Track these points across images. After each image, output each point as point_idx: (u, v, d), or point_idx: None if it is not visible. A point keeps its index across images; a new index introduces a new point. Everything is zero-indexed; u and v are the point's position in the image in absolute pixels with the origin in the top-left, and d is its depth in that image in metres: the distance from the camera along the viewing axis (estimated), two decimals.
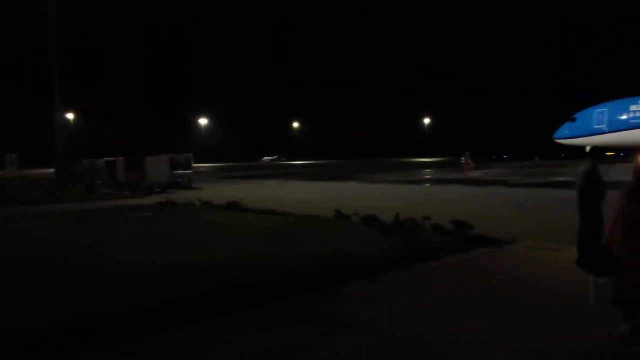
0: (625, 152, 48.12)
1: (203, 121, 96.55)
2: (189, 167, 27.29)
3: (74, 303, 5.24)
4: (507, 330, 4.29)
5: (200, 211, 13.88)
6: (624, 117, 43.17)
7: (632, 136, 42.71)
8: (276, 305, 5.13)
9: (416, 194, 20.22)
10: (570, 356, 3.80)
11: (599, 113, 44.60)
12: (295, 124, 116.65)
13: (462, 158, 50.02)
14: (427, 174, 37.49)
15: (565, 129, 47.08)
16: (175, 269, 6.64)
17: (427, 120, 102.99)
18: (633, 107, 43.02)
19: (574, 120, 46.43)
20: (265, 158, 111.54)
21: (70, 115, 52.66)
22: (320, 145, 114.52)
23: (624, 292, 4.04)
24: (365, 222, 9.92)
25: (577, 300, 4.76)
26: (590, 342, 4.00)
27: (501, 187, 21.69)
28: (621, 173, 4.49)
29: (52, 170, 31.04)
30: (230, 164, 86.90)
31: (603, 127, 43.78)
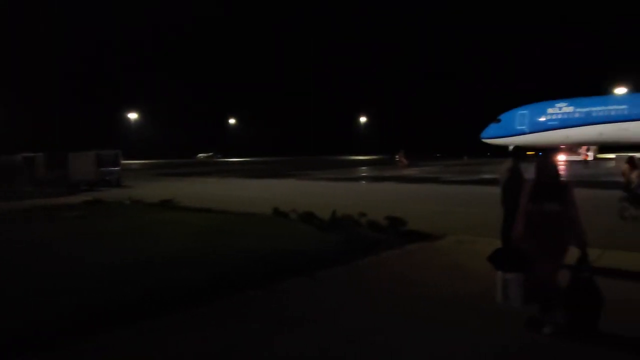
0: (543, 151, 51.92)
1: (133, 116, 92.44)
2: (117, 163, 26.00)
3: (24, 305, 4.96)
4: (443, 329, 4.35)
5: (131, 210, 13.27)
6: (543, 119, 46.49)
7: (549, 137, 46.13)
8: (219, 304, 5.06)
9: (353, 191, 20.58)
10: (499, 356, 3.86)
11: (521, 115, 47.72)
12: (232, 121, 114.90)
13: (397, 156, 51.66)
14: (364, 171, 38.28)
15: (491, 129, 49.94)
16: (118, 269, 6.35)
17: (363, 119, 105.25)
18: (550, 110, 46.43)
19: (499, 121, 49.36)
20: (200, 155, 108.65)
21: None
22: (257, 142, 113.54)
23: (530, 290, 4.14)
24: (303, 219, 9.96)
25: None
26: (517, 340, 4.10)
27: (433, 184, 22.60)
28: None
29: None
30: (163, 160, 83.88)
31: (524, 128, 46.89)
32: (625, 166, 10.89)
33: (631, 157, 11.13)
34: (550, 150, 42.90)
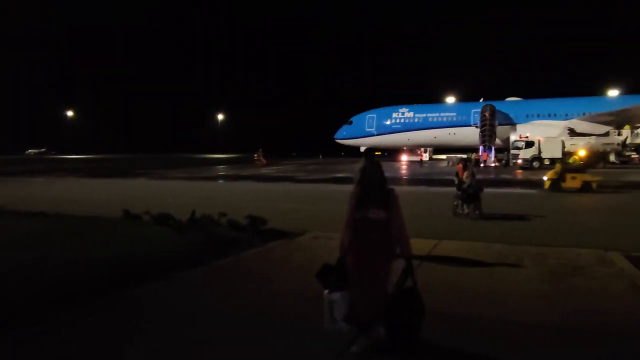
0: (388, 152, 57.01)
1: None
2: None
3: None
4: (297, 327, 4.41)
5: None
6: (388, 122, 50.97)
7: (394, 139, 50.85)
8: (62, 317, 4.50)
9: (211, 190, 20.08)
10: None
11: (369, 118, 51.71)
12: (70, 113, 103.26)
13: (255, 155, 51.94)
14: (221, 170, 37.61)
15: (344, 130, 53.20)
16: None
17: (221, 117, 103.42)
18: (394, 115, 51.16)
19: (351, 123, 52.81)
20: (29, 151, 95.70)
21: None
22: (99, 138, 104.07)
23: (353, 306, 3.70)
24: (158, 221, 9.38)
25: None
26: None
27: (290, 183, 23.19)
28: (388, 170, 5.07)
29: None
30: None
31: (373, 130, 50.91)
32: (458, 167, 11.88)
33: (464, 159, 12.61)
34: (374, 154, 47.20)
